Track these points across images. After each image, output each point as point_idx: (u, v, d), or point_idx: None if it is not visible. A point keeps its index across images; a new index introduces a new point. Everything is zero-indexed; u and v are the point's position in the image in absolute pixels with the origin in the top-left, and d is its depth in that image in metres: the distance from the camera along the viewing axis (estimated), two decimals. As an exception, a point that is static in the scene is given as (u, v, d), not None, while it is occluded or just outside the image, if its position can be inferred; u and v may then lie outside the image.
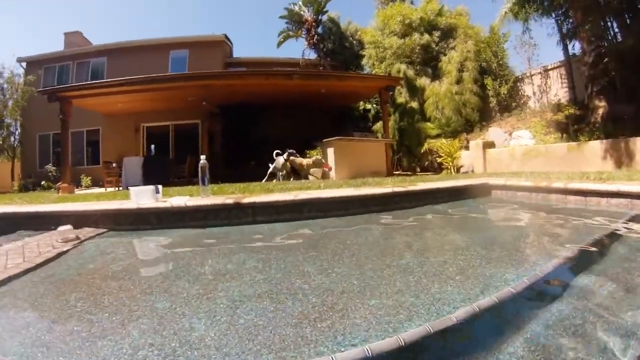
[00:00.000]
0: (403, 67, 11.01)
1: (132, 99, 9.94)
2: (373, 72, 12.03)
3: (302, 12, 14.53)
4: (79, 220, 3.09)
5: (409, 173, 10.25)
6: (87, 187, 10.54)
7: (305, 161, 7.30)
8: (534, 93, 10.27)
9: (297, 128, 11.27)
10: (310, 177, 7.16)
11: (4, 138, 14.36)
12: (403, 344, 0.96)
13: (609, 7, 7.38)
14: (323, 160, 7.33)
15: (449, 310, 1.24)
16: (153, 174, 7.82)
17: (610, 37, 8.00)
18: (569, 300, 1.36)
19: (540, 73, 10.11)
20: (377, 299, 1.42)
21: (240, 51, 25.20)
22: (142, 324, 1.29)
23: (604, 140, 6.23)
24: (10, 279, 1.84)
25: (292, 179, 7.10)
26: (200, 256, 2.29)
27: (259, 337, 1.14)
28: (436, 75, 11.07)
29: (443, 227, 3.16)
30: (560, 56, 9.54)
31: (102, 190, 8.23)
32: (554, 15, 8.85)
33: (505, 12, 9.16)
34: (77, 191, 8.21)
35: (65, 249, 2.41)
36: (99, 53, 14.21)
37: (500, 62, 10.83)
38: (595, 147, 6.24)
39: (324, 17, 14.94)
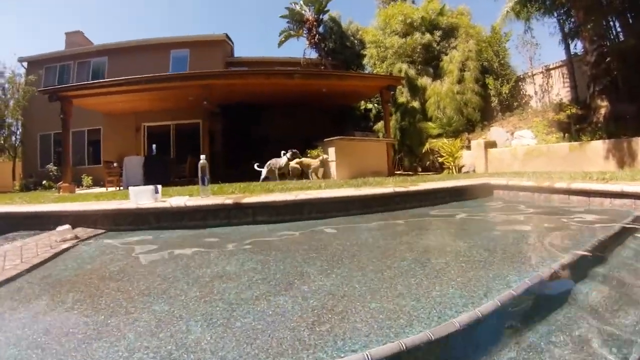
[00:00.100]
0: (404, 66, 10.98)
1: (132, 99, 9.94)
2: (374, 71, 12.00)
3: (303, 12, 14.50)
4: (77, 220, 3.08)
5: (410, 173, 10.22)
6: (88, 186, 10.55)
7: (313, 162, 7.27)
8: (536, 92, 10.22)
9: (298, 127, 11.25)
10: (312, 176, 7.14)
11: (5, 138, 14.40)
12: (404, 348, 0.94)
13: (611, 6, 7.33)
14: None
15: (451, 314, 1.21)
16: (154, 174, 7.81)
17: (612, 37, 7.96)
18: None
19: (542, 72, 10.06)
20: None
21: (241, 51, 25.20)
22: (139, 326, 1.27)
23: (606, 140, 6.20)
24: (7, 280, 1.83)
25: (294, 179, 7.07)
26: (199, 257, 2.27)
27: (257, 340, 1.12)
28: (437, 75, 11.04)
29: (444, 228, 3.13)
30: (562, 55, 9.52)
31: (103, 190, 8.23)
32: (555, 15, 8.81)
33: (507, 11, 9.12)
34: (78, 191, 8.21)
35: (63, 250, 2.39)
36: (100, 53, 14.23)
37: (502, 61, 10.79)
38: (598, 147, 6.20)
39: (325, 17, 14.91)
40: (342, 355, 0.98)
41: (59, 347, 1.15)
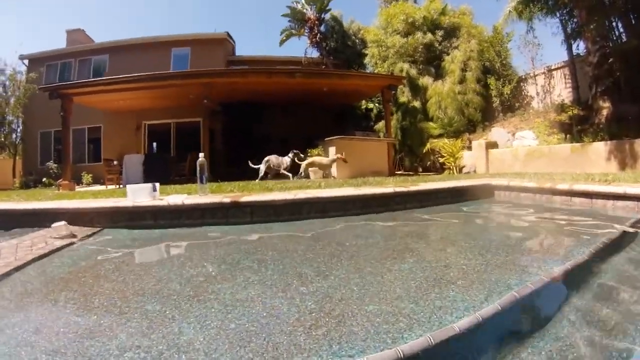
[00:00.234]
0: (406, 66, 10.95)
1: (133, 97, 9.92)
2: (375, 71, 11.97)
3: (304, 11, 14.48)
4: (74, 217, 3.05)
5: (410, 173, 10.19)
6: (88, 184, 10.56)
7: (325, 160, 7.21)
8: (538, 93, 10.17)
9: (299, 126, 11.25)
10: (312, 176, 7.10)
11: (5, 135, 14.39)
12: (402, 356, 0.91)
13: (613, 7, 7.29)
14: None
15: (451, 320, 1.18)
16: (154, 172, 7.79)
17: (615, 37, 7.91)
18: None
19: (544, 73, 10.01)
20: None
21: (243, 50, 25.10)
22: (131, 327, 1.24)
23: (608, 142, 6.16)
24: (1, 277, 1.80)
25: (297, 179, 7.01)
26: (197, 255, 2.24)
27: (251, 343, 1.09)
28: (439, 75, 11.00)
29: (444, 228, 3.10)
30: (564, 56, 9.48)
31: (102, 187, 8.22)
32: (558, 15, 8.77)
33: (509, 12, 9.07)
34: (78, 188, 8.20)
35: (58, 247, 2.37)
36: (101, 50, 14.22)
37: (504, 61, 10.73)
38: (599, 148, 6.16)
39: (327, 16, 14.89)
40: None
41: (48, 345, 1.12)
